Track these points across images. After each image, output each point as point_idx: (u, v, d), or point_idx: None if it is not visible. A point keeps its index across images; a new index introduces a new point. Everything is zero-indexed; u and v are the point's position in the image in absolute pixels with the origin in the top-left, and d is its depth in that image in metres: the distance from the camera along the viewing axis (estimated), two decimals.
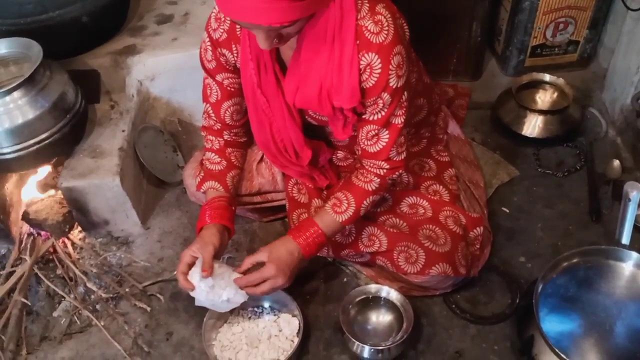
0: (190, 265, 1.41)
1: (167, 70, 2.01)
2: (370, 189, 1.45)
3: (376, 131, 1.38)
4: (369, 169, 1.45)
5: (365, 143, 1.42)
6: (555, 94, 2.12)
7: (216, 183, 1.54)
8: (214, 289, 1.39)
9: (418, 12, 2.10)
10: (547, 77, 2.12)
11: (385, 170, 1.45)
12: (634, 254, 1.45)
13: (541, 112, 2.03)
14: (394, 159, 1.43)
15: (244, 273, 1.43)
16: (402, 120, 1.38)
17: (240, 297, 1.41)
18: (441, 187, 1.66)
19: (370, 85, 1.30)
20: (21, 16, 1.80)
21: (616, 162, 1.87)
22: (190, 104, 2.09)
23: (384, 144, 1.40)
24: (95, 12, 1.91)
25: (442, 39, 2.19)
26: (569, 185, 1.91)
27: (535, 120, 2.03)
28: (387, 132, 1.39)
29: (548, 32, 2.16)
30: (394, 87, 1.30)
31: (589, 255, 1.49)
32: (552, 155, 2.01)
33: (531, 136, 2.02)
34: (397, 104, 1.35)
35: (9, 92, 1.57)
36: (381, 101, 1.32)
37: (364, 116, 1.38)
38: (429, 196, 1.64)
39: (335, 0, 1.22)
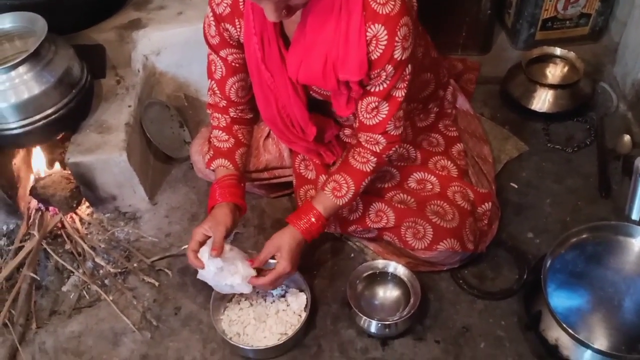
0: (202, 244, 1.42)
1: (172, 44, 1.99)
2: (367, 170, 1.45)
3: (376, 103, 1.37)
4: (366, 145, 1.44)
5: (364, 116, 1.40)
6: (566, 68, 2.09)
7: (226, 161, 1.53)
8: (221, 272, 1.40)
9: None
10: (557, 50, 2.09)
11: (381, 146, 1.43)
12: None
13: (551, 86, 2.00)
14: (391, 133, 1.42)
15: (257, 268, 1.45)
16: (403, 94, 1.36)
17: (245, 288, 1.42)
18: (449, 162, 1.65)
19: (376, 57, 1.28)
20: None
21: (627, 137, 1.84)
22: (196, 78, 2.08)
23: (383, 116, 1.38)
24: None
25: (452, 13, 2.15)
26: (578, 161, 1.89)
27: (545, 95, 2.00)
28: (386, 104, 1.37)
29: (559, 4, 2.12)
30: (398, 59, 1.28)
31: (598, 230, 1.48)
32: (561, 130, 1.99)
33: (541, 111, 2.00)
34: (400, 76, 1.33)
35: (15, 67, 1.56)
36: (384, 73, 1.30)
37: (366, 88, 1.36)
38: (437, 172, 1.63)
39: None
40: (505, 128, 1.99)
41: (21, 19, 1.67)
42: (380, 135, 1.41)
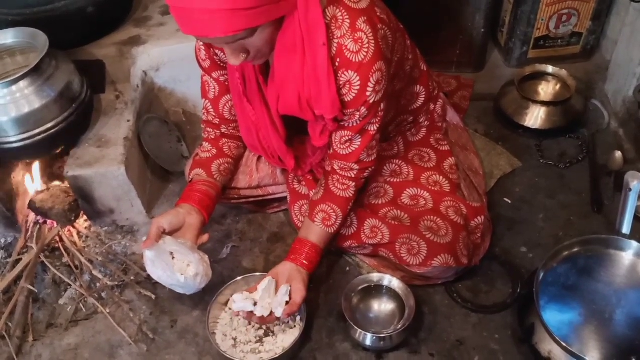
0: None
1: (171, 60, 2.02)
2: (349, 195, 1.52)
3: (350, 137, 1.43)
4: (341, 172, 1.50)
5: (338, 146, 1.46)
6: (558, 86, 2.12)
7: (200, 170, 1.58)
8: (154, 264, 1.43)
9: (421, 3, 2.11)
10: (549, 68, 2.13)
11: (356, 172, 1.50)
12: (634, 244, 1.46)
13: (544, 103, 2.03)
14: (364, 160, 1.48)
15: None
16: (376, 128, 1.42)
17: (185, 288, 1.46)
18: (441, 177, 1.67)
19: (349, 99, 1.33)
20: (27, 6, 1.82)
21: (618, 154, 1.87)
22: (194, 94, 2.09)
23: (356, 147, 1.45)
24: (100, 2, 1.92)
25: (446, 30, 2.19)
26: (571, 176, 1.92)
27: (538, 112, 2.03)
28: (360, 137, 1.43)
29: (551, 23, 2.16)
30: (371, 102, 1.34)
31: (589, 244, 1.50)
32: (554, 147, 2.02)
33: (533, 127, 2.03)
34: (374, 115, 1.39)
35: (16, 81, 1.58)
36: (358, 113, 1.36)
37: (340, 123, 1.41)
38: (430, 187, 1.65)
39: (298, 9, 1.22)
40: (498, 144, 2.01)
41: (23, 35, 1.70)
42: (353, 164, 1.48)
